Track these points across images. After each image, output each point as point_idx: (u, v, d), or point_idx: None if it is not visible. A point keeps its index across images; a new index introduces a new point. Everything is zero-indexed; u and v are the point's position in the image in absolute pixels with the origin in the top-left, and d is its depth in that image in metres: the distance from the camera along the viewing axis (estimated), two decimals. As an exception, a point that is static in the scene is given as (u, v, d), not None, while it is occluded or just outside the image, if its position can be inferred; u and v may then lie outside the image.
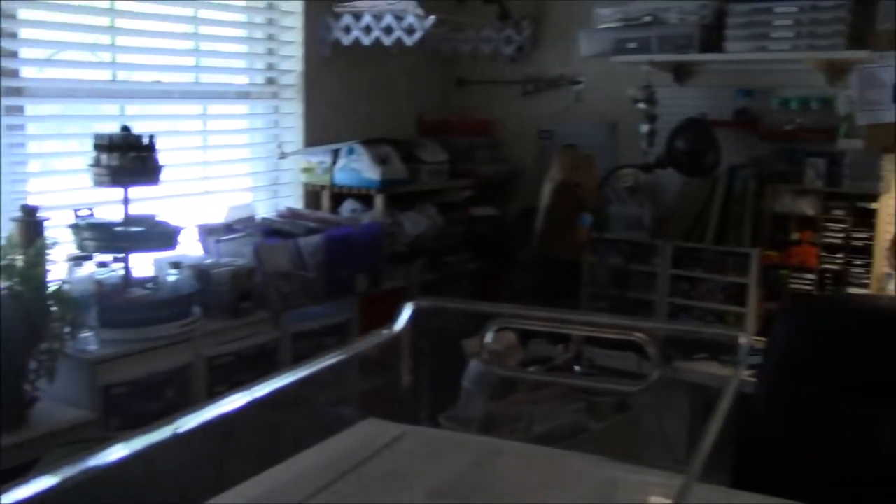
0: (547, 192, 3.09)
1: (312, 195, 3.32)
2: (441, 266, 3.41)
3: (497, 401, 2.40)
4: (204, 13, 3.01)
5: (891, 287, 2.98)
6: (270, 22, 3.24)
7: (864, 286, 3.05)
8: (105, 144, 2.37)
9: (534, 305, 3.26)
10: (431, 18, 3.10)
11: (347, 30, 3.23)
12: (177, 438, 0.82)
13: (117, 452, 0.83)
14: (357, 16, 3.20)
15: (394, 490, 1.06)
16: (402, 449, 1.20)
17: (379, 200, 3.17)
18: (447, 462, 1.19)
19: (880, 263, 3.08)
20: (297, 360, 1.29)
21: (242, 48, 3.22)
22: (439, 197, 3.49)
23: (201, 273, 2.60)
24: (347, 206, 3.23)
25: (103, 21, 2.72)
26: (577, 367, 2.63)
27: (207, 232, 2.83)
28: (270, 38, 3.25)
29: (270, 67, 3.27)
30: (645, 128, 3.33)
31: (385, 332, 1.17)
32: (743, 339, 1.35)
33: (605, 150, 3.62)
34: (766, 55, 3.03)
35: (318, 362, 1.01)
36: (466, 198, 3.59)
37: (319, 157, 3.25)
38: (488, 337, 1.40)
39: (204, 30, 3.03)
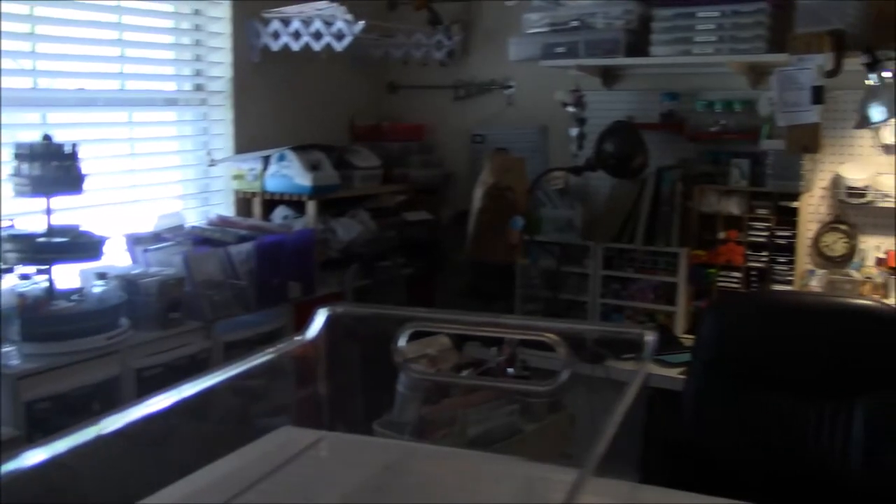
0: (478, 196, 3.11)
1: (243, 202, 3.29)
2: (375, 271, 3.41)
3: (431, 405, 2.40)
4: (129, 19, 2.95)
5: (813, 283, 3.07)
6: (197, 28, 3.20)
7: (789, 283, 3.14)
8: (26, 153, 2.31)
9: (468, 309, 3.28)
10: (360, 23, 3.09)
11: (276, 35, 3.21)
12: (80, 450, 0.81)
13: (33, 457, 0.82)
14: (285, 21, 3.18)
15: (306, 496, 1.05)
16: (317, 455, 1.20)
17: (311, 207, 3.15)
18: (361, 466, 1.20)
19: (803, 260, 3.17)
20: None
21: (169, 54, 3.18)
22: (372, 202, 3.48)
23: (128, 283, 2.55)
24: (279, 213, 3.21)
25: (24, 28, 2.65)
26: (510, 370, 2.64)
27: (135, 241, 2.78)
28: (198, 44, 3.21)
29: (198, 74, 3.23)
30: (574, 131, 3.38)
31: (297, 338, 1.16)
32: (649, 337, 1.38)
33: (536, 153, 3.67)
34: (689, 59, 3.09)
35: (225, 371, 1.01)
36: (400, 203, 3.59)
37: (250, 164, 3.22)
38: (402, 341, 1.39)
39: (129, 36, 2.97)
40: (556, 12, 3.25)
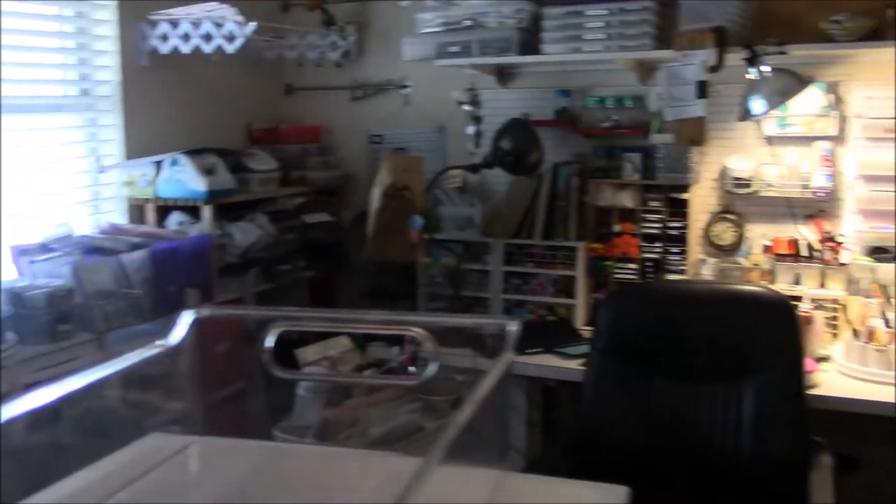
0: (376, 197, 3.11)
1: (136, 209, 3.21)
2: (276, 275, 3.37)
3: (333, 407, 2.39)
4: (9, 22, 2.84)
5: (705, 272, 3.17)
6: (82, 31, 3.10)
7: (682, 272, 3.23)
8: None
9: (371, 309, 3.27)
10: (252, 25, 3.05)
11: (164, 38, 3.14)
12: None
13: None
14: (174, 23, 3.11)
15: (170, 500, 1.04)
16: (185, 460, 1.18)
17: (207, 212, 3.09)
18: (230, 469, 1.19)
19: (695, 250, 3.27)
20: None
21: (54, 58, 3.07)
22: (271, 205, 3.44)
23: (14, 296, 2.46)
24: (174, 219, 3.14)
25: None
26: (411, 368, 2.66)
27: (21, 252, 2.68)
28: (83, 47, 3.11)
29: (84, 78, 3.13)
30: (471, 129, 3.41)
31: (159, 342, 1.14)
32: (511, 327, 1.41)
33: (434, 152, 3.69)
34: (580, 56, 3.15)
35: (85, 377, 0.98)
36: (299, 205, 3.56)
37: (141, 170, 3.14)
38: (269, 341, 1.38)
39: (9, 40, 2.86)
40: (449, 12, 3.27)
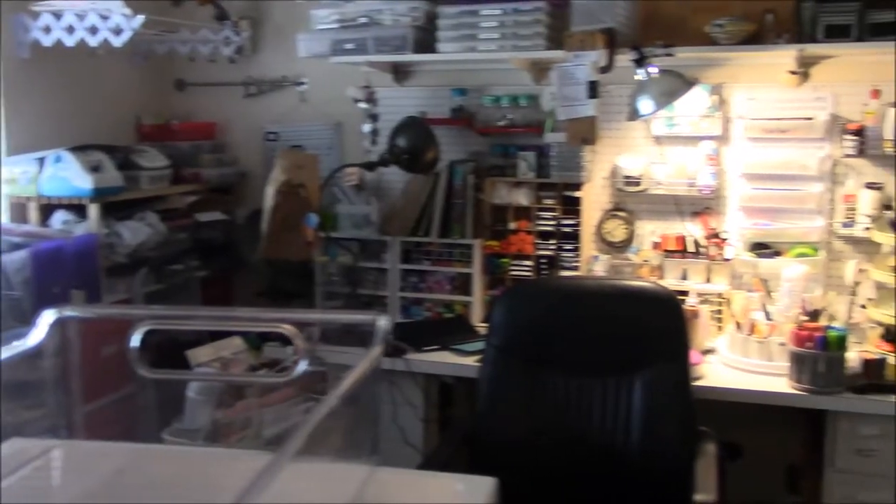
0: (270, 195, 3.07)
1: (17, 208, 3.08)
2: (167, 275, 3.29)
3: (225, 408, 2.35)
4: None
5: (597, 268, 3.24)
6: (-43, 21, 2.97)
7: (575, 268, 3.29)
8: None
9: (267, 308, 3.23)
10: (139, 18, 2.97)
11: (48, 30, 3.02)
12: None
13: None
14: (57, 15, 3.00)
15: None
16: (46, 465, 1.14)
17: (93, 210, 2.99)
18: (92, 472, 1.16)
19: (588, 247, 3.34)
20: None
21: (-75, 50, 2.93)
22: (162, 204, 3.36)
23: None
24: (59, 218, 3.03)
25: None
26: (301, 367, 2.62)
27: None
28: (-42, 38, 2.98)
29: (-40, 71, 2.99)
30: (367, 127, 3.40)
31: (17, 343, 1.10)
32: (381, 322, 1.43)
33: (331, 149, 3.66)
34: (475, 55, 3.18)
35: None
36: (191, 203, 3.48)
37: (23, 167, 3.02)
38: (135, 340, 1.35)
39: None
40: (345, 9, 3.25)
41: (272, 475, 0.83)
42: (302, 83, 3.72)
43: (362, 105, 3.37)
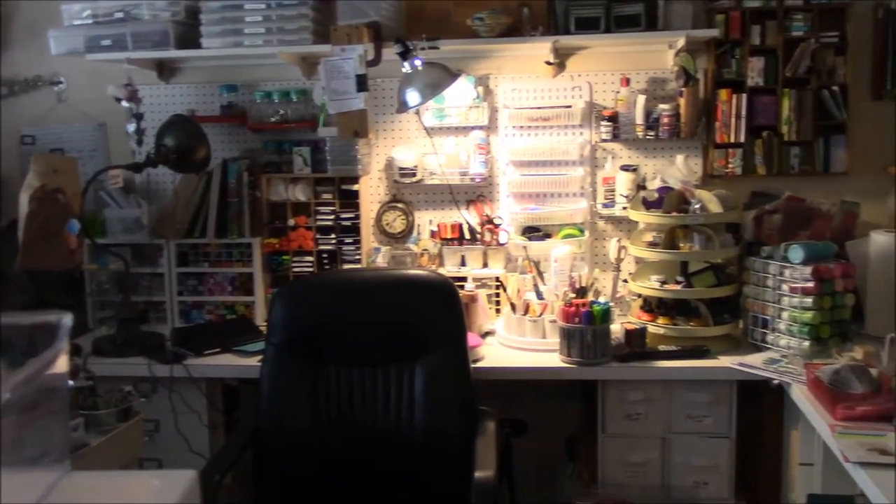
0: (24, 202, 2.86)
1: None
2: (-87, 295, 3.01)
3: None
4: None
5: (379, 259, 3.27)
6: None
7: (357, 261, 3.31)
8: None
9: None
10: None
11: None
12: None
13: None
14: None
15: None
16: None
17: None
18: None
19: (369, 239, 3.37)
20: None
21: None
22: None
23: None
24: None
25: None
26: (71, 382, 2.48)
27: None
28: None
29: None
30: (132, 127, 3.25)
31: None
32: (65, 320, 1.39)
33: (96, 151, 3.48)
34: (241, 50, 3.12)
35: None
36: (-62, 216, 3.20)
37: None
38: None
39: None
40: (99, 3, 3.09)
41: None
42: (59, 83, 3.50)
43: (125, 104, 3.22)
